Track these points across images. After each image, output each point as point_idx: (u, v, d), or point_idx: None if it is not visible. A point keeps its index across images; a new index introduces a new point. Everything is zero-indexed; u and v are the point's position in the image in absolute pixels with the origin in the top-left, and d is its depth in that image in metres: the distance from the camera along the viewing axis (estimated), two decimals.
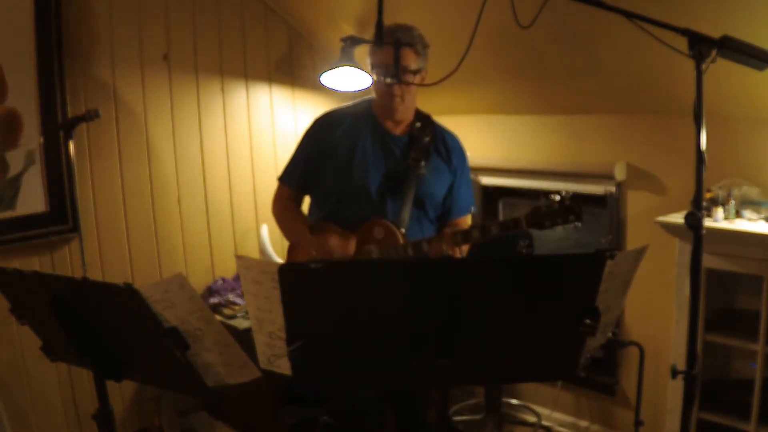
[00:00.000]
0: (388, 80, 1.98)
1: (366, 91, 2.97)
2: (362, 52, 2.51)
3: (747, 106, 2.29)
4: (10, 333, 2.51)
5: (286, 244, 3.37)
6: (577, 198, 1.77)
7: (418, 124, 2.12)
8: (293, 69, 3.37)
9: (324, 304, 1.23)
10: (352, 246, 2.01)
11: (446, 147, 2.15)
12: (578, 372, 1.32)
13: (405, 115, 2.11)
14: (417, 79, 2.03)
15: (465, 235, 1.90)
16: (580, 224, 1.78)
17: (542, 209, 1.79)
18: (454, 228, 2.08)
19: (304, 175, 2.16)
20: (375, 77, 2.04)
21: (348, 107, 2.19)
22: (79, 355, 1.46)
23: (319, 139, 2.13)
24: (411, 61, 2.00)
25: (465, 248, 1.96)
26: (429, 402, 1.79)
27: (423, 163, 2.05)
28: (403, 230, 2.02)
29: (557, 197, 1.77)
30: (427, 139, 2.10)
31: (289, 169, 2.21)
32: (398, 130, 2.12)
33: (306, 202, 2.27)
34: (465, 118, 3.21)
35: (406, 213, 2.03)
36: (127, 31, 2.79)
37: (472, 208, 2.25)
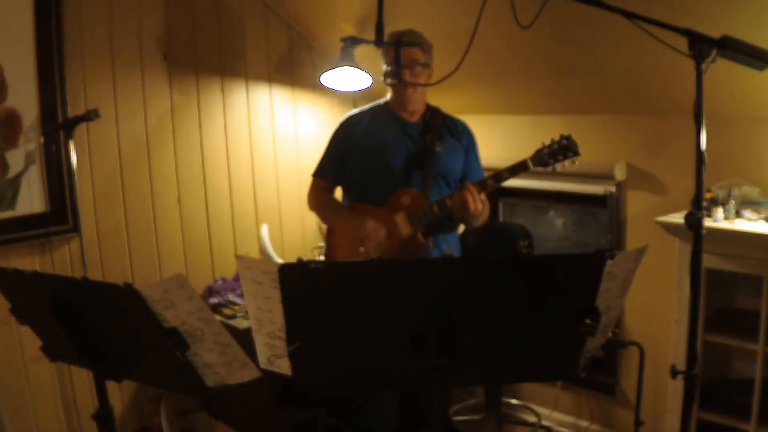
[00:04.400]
0: (389, 81, 2.17)
1: (365, 91, 2.98)
2: (362, 52, 2.51)
3: (747, 106, 2.29)
4: (10, 333, 2.51)
5: (286, 243, 3.42)
6: (571, 137, 2.13)
7: (429, 113, 2.39)
8: (293, 69, 3.37)
9: (324, 304, 1.23)
10: (382, 231, 2.23)
11: (457, 129, 2.41)
12: (578, 372, 1.32)
13: (418, 105, 2.37)
14: (425, 73, 2.29)
15: (482, 184, 2.16)
16: (578, 159, 2.12)
17: (544, 150, 2.14)
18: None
19: (336, 168, 2.42)
20: (390, 78, 2.22)
21: (367, 108, 2.46)
22: (79, 355, 1.46)
23: (346, 136, 2.40)
24: (419, 56, 2.26)
25: (482, 197, 2.19)
26: (439, 400, 1.79)
27: (438, 144, 2.31)
28: (427, 195, 2.26)
29: (554, 139, 2.13)
30: (439, 123, 2.36)
31: (322, 165, 2.48)
32: (414, 119, 2.37)
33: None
34: (465, 118, 3.19)
35: (428, 185, 2.27)
36: (127, 31, 2.79)
37: (484, 176, 2.42)
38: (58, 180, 2.62)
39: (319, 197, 2.49)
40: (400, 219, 2.22)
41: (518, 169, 2.14)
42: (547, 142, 2.14)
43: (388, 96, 2.41)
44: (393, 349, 1.28)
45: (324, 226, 2.61)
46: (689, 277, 1.47)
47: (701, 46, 1.39)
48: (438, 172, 2.30)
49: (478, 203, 2.13)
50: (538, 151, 2.14)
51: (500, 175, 2.15)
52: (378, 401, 2.29)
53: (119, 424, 2.81)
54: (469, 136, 2.45)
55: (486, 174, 2.26)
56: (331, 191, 2.51)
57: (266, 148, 3.32)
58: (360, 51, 2.51)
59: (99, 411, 1.53)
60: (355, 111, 2.48)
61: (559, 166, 2.13)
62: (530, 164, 2.13)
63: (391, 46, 2.12)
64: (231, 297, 3.05)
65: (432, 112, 2.40)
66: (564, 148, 2.12)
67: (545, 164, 2.14)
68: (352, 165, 2.37)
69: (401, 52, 2.15)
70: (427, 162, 2.28)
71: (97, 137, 2.74)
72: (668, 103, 2.45)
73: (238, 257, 1.21)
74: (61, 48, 2.57)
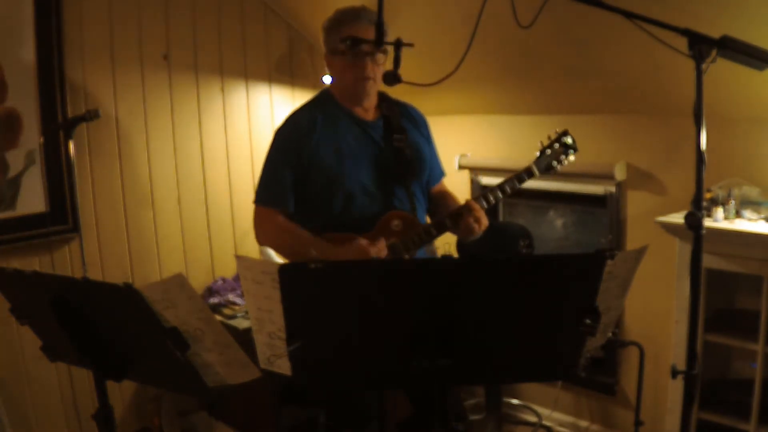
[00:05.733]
0: (389, 81, 1.82)
1: None
2: None
3: (747, 106, 2.29)
4: (10, 333, 2.51)
5: None
6: (568, 133, 2.04)
7: (384, 105, 2.04)
8: (293, 69, 3.37)
9: (324, 304, 1.23)
10: (382, 246, 1.86)
11: (414, 118, 2.10)
12: (578, 372, 1.32)
13: (373, 98, 2.00)
14: (381, 57, 1.92)
15: (486, 200, 1.92)
16: (575, 153, 2.03)
17: (546, 154, 2.02)
18: (447, 195, 2.14)
19: (292, 190, 1.93)
20: (342, 68, 1.91)
21: (308, 105, 2.03)
22: (79, 355, 1.46)
23: (296, 146, 1.93)
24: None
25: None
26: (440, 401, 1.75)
27: (407, 144, 1.98)
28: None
29: (552, 138, 2.02)
30: (397, 117, 2.03)
31: (271, 188, 1.96)
32: (370, 116, 2.02)
33: None
34: (465, 118, 3.21)
35: (413, 200, 1.99)
36: (127, 31, 2.79)
37: (443, 175, 2.22)
38: (58, 180, 2.62)
39: (278, 226, 1.93)
40: (395, 250, 1.89)
41: (524, 178, 1.98)
42: (545, 141, 2.04)
43: (328, 84, 2.02)
44: (393, 349, 1.28)
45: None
46: (689, 277, 1.47)
47: (701, 46, 1.39)
48: (418, 179, 2.02)
49: (484, 220, 1.88)
50: (542, 156, 2.02)
51: (504, 187, 1.96)
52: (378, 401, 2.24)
53: (119, 424, 2.80)
54: (425, 122, 2.13)
55: (488, 176, 2.17)
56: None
57: (266, 149, 3.31)
58: None
59: (99, 411, 1.53)
60: (293, 113, 2.02)
61: (559, 167, 2.05)
62: (536, 171, 2.00)
63: (381, 47, 1.81)
64: (231, 297, 3.05)
65: (386, 103, 2.02)
66: (566, 147, 2.03)
67: (550, 169, 2.02)
68: (311, 185, 1.92)
69: (370, 30, 1.79)
70: (402, 168, 1.96)
71: (97, 137, 2.74)
72: (668, 103, 2.45)
73: (238, 257, 1.21)
74: (61, 48, 2.57)
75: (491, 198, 1.94)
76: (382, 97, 2.05)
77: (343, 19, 1.94)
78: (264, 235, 1.99)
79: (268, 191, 1.97)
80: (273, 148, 1.99)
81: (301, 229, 1.93)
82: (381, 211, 1.93)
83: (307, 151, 1.92)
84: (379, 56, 1.90)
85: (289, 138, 1.96)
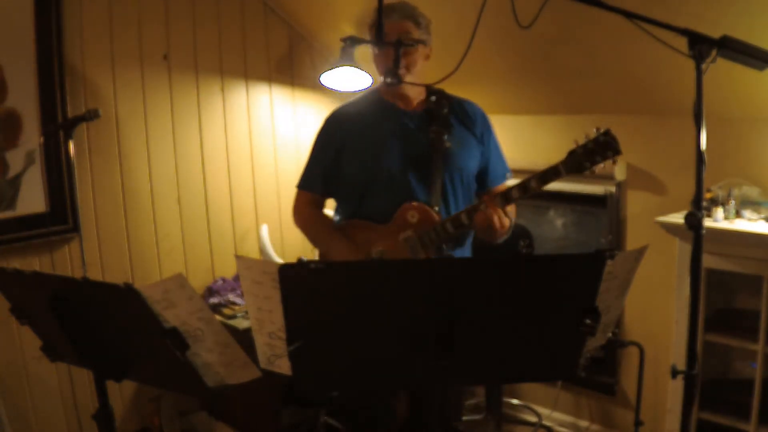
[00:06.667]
0: (389, 80, 1.85)
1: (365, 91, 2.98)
2: (362, 52, 2.51)
3: (747, 106, 2.29)
4: (10, 333, 2.51)
5: (286, 243, 3.41)
6: (609, 133, 1.71)
7: (433, 98, 2.03)
8: (293, 69, 3.37)
9: (324, 304, 1.23)
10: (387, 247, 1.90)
11: (467, 115, 2.05)
12: (578, 372, 1.32)
13: (414, 90, 2.01)
14: (421, 51, 1.94)
15: (505, 196, 1.81)
16: (617, 157, 1.72)
17: (578, 151, 1.73)
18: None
19: (325, 177, 2.08)
20: (379, 65, 1.95)
21: (354, 100, 2.12)
22: (79, 355, 1.46)
23: (332, 136, 2.06)
24: (412, 30, 1.93)
25: (511, 209, 1.86)
26: (440, 401, 1.74)
27: (446, 137, 1.95)
28: (436, 208, 1.93)
29: (593, 134, 1.72)
30: (445, 110, 2.00)
31: (308, 174, 2.12)
32: (411, 107, 2.03)
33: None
34: None
35: (437, 191, 1.93)
36: (127, 31, 2.79)
37: (508, 174, 2.14)
38: (58, 180, 2.62)
39: (308, 214, 2.12)
40: (410, 242, 1.90)
41: (549, 177, 1.76)
42: (581, 140, 1.75)
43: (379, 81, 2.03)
44: (393, 350, 1.28)
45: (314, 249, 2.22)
46: (689, 277, 1.47)
47: (701, 46, 1.39)
48: (449, 172, 1.97)
49: (503, 219, 1.80)
50: (572, 154, 1.74)
51: (527, 185, 1.79)
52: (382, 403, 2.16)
53: (119, 424, 2.80)
54: (484, 120, 2.07)
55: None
56: (321, 205, 2.16)
57: (266, 148, 3.32)
58: (360, 51, 2.51)
59: (99, 411, 1.53)
60: (340, 106, 2.13)
61: (597, 168, 1.74)
62: (562, 170, 1.75)
63: (381, 47, 1.89)
64: (231, 297, 3.05)
65: (437, 96, 2.03)
66: (602, 146, 1.71)
67: (581, 169, 1.74)
68: (344, 173, 2.03)
69: (391, 29, 1.83)
70: (433, 161, 1.93)
71: (97, 137, 2.74)
72: (668, 103, 2.45)
73: (238, 257, 1.21)
74: (61, 48, 2.57)
75: (513, 195, 1.81)
76: (434, 92, 2.04)
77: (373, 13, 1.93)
78: (296, 216, 2.17)
79: (304, 176, 2.14)
80: (315, 138, 2.12)
81: (325, 220, 2.12)
82: (403, 200, 1.93)
83: (340, 139, 2.02)
84: (411, 49, 1.89)
85: (327, 127, 2.09)
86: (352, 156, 2.00)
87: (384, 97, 2.05)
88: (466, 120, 2.05)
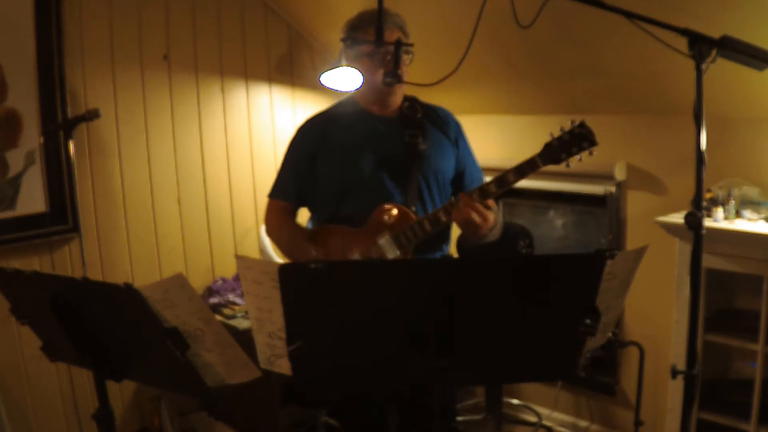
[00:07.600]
0: (389, 80, 1.87)
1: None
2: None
3: (747, 106, 2.29)
4: (10, 333, 2.51)
5: None
6: (584, 125, 1.75)
7: (407, 104, 2.05)
8: (293, 69, 3.37)
9: (324, 304, 1.23)
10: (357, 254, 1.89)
11: (441, 119, 2.08)
12: (578, 372, 1.32)
13: (398, 99, 2.03)
14: (408, 60, 1.94)
15: (482, 191, 1.80)
16: (594, 149, 1.75)
17: (554, 143, 1.76)
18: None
19: (299, 184, 2.05)
20: (368, 70, 1.95)
21: (329, 108, 2.14)
22: (79, 355, 1.46)
23: (306, 142, 2.04)
24: (403, 39, 1.92)
25: (491, 203, 1.85)
26: (440, 401, 1.73)
27: (421, 139, 1.96)
28: (413, 209, 1.93)
29: (564, 129, 1.75)
30: (419, 115, 2.02)
31: (280, 182, 2.10)
32: (387, 112, 2.03)
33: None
34: (465, 118, 3.18)
35: (413, 193, 1.93)
36: (127, 31, 2.79)
37: (484, 179, 2.11)
38: (58, 180, 2.62)
39: (280, 223, 2.08)
40: (385, 243, 1.88)
41: (525, 170, 1.78)
42: (557, 133, 1.78)
43: (357, 89, 2.05)
44: (393, 350, 1.28)
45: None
46: (689, 277, 1.48)
47: (701, 46, 1.40)
48: (424, 175, 1.97)
49: (485, 213, 1.79)
50: (548, 146, 1.77)
51: (505, 179, 1.79)
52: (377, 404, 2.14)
53: (119, 424, 2.80)
54: (456, 125, 2.10)
55: (488, 177, 2.06)
56: (294, 215, 2.11)
57: (266, 148, 3.32)
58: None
59: (99, 411, 1.53)
60: (314, 114, 2.13)
61: (573, 161, 1.77)
62: (539, 161, 1.77)
63: (381, 47, 1.87)
64: (231, 297, 3.05)
65: (409, 102, 2.05)
66: (577, 138, 1.74)
67: (557, 160, 1.76)
68: (319, 179, 2.00)
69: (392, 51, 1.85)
70: (409, 164, 1.93)
71: (97, 137, 2.74)
72: (668, 103, 2.45)
73: (238, 257, 1.21)
74: (61, 48, 2.57)
75: (490, 189, 1.80)
76: (409, 99, 2.06)
77: (365, 19, 1.96)
78: (267, 225, 2.14)
79: (276, 185, 2.12)
80: (288, 145, 2.11)
81: (298, 229, 2.07)
82: (379, 203, 1.92)
83: (314, 146, 2.01)
84: (404, 57, 1.90)
85: (300, 135, 2.08)
86: (326, 161, 1.99)
87: (360, 102, 2.05)
88: (440, 124, 2.06)
